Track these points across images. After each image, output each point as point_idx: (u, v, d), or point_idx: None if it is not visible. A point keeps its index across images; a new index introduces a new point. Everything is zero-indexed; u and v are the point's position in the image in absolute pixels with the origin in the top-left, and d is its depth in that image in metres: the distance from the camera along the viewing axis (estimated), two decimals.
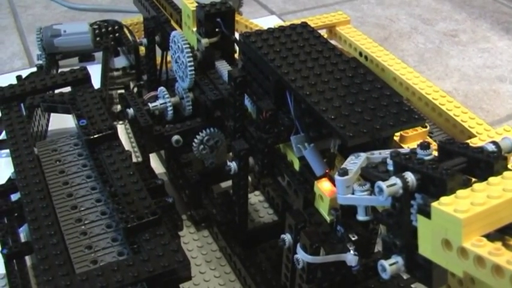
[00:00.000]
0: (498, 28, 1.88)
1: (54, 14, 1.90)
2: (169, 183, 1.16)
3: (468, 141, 0.83)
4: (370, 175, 0.58)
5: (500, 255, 0.44)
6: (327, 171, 0.73)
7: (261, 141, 0.79)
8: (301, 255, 0.71)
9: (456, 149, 0.53)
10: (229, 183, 1.03)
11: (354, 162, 0.61)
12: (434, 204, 0.48)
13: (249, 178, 0.91)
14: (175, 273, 0.69)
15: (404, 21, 1.91)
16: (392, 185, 0.51)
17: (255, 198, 1.14)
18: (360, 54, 1.09)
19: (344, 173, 0.59)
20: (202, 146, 0.99)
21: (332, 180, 0.70)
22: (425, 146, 0.53)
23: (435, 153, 0.56)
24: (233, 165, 0.86)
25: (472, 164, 0.52)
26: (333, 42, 1.04)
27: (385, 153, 0.60)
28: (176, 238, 0.86)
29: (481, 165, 0.52)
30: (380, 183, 0.51)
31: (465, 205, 0.46)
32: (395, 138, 0.84)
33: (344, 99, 0.70)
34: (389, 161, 0.56)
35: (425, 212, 0.49)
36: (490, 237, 0.47)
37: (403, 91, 0.98)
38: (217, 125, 0.99)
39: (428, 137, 0.87)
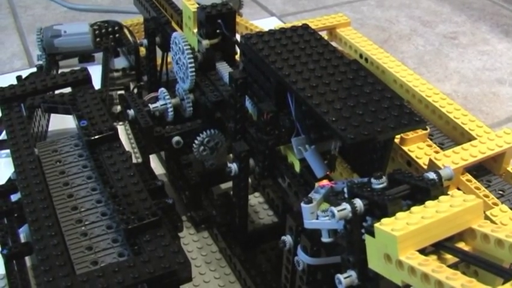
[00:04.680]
0: (497, 31, 1.88)
1: (54, 14, 1.90)
2: (169, 184, 1.16)
3: (469, 143, 0.83)
4: (330, 202, 0.65)
5: (427, 265, 0.52)
6: (327, 173, 0.73)
7: (261, 142, 0.80)
8: (302, 257, 0.71)
9: (401, 178, 0.62)
10: (229, 184, 1.03)
11: (319, 192, 0.68)
12: (377, 224, 0.56)
13: (249, 179, 0.91)
14: (175, 274, 0.69)
15: (404, 23, 1.92)
16: (342, 209, 0.59)
17: (255, 199, 1.15)
18: (361, 56, 1.09)
19: (309, 201, 0.65)
20: (202, 147, 0.99)
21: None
22: (378, 176, 0.61)
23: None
24: (233, 166, 0.86)
25: (415, 190, 0.61)
26: (333, 44, 1.04)
27: (348, 182, 0.66)
28: (176, 239, 0.86)
29: (421, 191, 0.60)
30: (332, 208, 0.59)
31: (401, 225, 0.54)
32: (396, 140, 0.84)
33: (345, 101, 0.70)
34: (346, 190, 0.63)
35: (371, 232, 0.57)
36: (426, 251, 0.56)
37: (404, 93, 0.98)
38: (218, 126, 0.99)
39: (428, 139, 0.87)
